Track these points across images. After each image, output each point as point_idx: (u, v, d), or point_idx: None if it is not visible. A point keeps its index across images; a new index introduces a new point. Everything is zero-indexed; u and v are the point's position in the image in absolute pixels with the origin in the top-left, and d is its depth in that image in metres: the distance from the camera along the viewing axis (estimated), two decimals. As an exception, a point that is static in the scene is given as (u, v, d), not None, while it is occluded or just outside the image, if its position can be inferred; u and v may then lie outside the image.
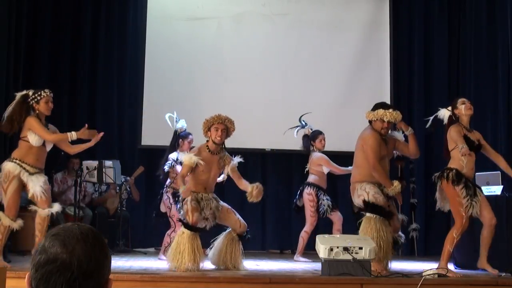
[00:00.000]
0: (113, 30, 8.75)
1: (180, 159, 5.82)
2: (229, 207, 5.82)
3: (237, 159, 5.86)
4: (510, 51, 7.53)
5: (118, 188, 7.89)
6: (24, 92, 5.50)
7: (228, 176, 5.90)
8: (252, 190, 5.64)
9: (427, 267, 5.37)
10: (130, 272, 5.04)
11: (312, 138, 7.29)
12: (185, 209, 5.56)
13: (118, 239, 7.73)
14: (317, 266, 5.41)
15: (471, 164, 5.53)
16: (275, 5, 8.94)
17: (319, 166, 7.18)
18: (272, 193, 8.80)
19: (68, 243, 1.37)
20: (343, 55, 8.97)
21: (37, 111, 5.41)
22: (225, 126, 5.66)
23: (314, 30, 8.95)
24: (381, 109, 5.53)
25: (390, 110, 5.53)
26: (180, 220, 5.66)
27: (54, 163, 7.46)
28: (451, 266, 5.96)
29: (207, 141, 5.75)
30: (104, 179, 7.43)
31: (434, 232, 8.62)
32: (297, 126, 7.51)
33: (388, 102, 8.75)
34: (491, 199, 5.88)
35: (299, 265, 6.42)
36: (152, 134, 8.42)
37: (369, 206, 5.37)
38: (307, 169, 7.28)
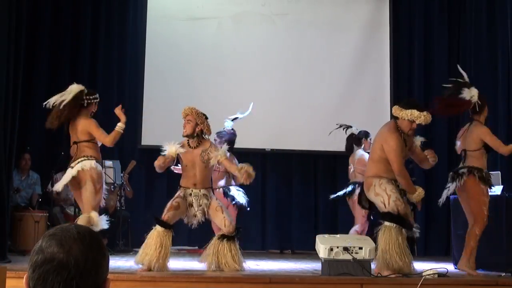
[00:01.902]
0: (113, 30, 8.75)
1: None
2: (220, 204, 5.61)
3: (224, 148, 5.73)
4: (510, 51, 7.53)
5: (113, 187, 7.89)
6: (80, 87, 5.52)
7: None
8: (239, 174, 5.48)
9: (427, 267, 5.37)
10: (130, 272, 5.04)
11: (364, 135, 7.12)
12: (167, 204, 5.51)
13: (118, 239, 7.73)
14: (317, 266, 5.41)
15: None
16: (275, 5, 8.95)
17: (365, 166, 7.11)
18: (272, 193, 8.81)
19: (65, 243, 1.37)
20: (343, 55, 8.97)
21: (91, 112, 5.55)
22: (191, 118, 5.52)
23: (314, 30, 8.95)
24: (415, 110, 5.16)
25: (425, 113, 5.20)
26: (155, 218, 5.49)
27: (54, 163, 7.46)
28: (451, 266, 5.96)
29: None
30: (104, 179, 7.42)
31: (434, 232, 8.63)
32: (342, 126, 7.28)
33: (388, 102, 8.83)
34: (491, 199, 5.88)
35: (299, 265, 6.42)
36: (152, 134, 8.41)
37: (388, 215, 5.10)
38: (352, 169, 7.08)
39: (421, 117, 5.16)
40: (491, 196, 5.90)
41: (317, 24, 8.96)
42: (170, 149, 5.48)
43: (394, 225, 5.05)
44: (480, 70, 8.34)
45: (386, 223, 5.09)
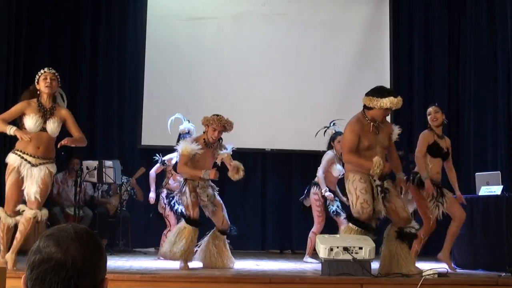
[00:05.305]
0: (113, 30, 8.76)
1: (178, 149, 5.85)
2: (221, 203, 5.89)
3: (230, 147, 5.95)
4: (510, 51, 7.53)
5: (118, 188, 7.89)
6: None
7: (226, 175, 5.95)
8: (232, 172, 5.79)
9: (426, 267, 5.37)
10: (130, 272, 5.04)
11: (332, 138, 7.08)
12: (185, 203, 5.69)
13: (118, 239, 7.73)
14: (317, 266, 5.41)
15: (437, 169, 5.79)
16: (275, 5, 8.95)
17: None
18: (272, 193, 8.81)
19: (63, 243, 1.38)
20: (343, 55, 8.97)
21: (38, 92, 5.02)
22: (223, 128, 5.75)
23: (314, 30, 8.95)
24: (392, 97, 5.17)
25: (399, 98, 5.20)
26: (182, 215, 5.75)
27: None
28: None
29: (204, 132, 5.85)
30: (104, 179, 7.44)
31: (434, 232, 8.60)
32: (325, 127, 7.23)
33: (388, 102, 8.81)
34: (491, 199, 5.88)
35: (299, 265, 6.42)
36: (152, 134, 8.42)
37: (351, 217, 5.11)
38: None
39: (387, 103, 5.11)
40: (491, 196, 5.91)
41: (317, 24, 8.96)
42: (187, 148, 5.63)
43: (356, 228, 5.05)
44: (480, 70, 8.34)
45: (350, 224, 5.13)
